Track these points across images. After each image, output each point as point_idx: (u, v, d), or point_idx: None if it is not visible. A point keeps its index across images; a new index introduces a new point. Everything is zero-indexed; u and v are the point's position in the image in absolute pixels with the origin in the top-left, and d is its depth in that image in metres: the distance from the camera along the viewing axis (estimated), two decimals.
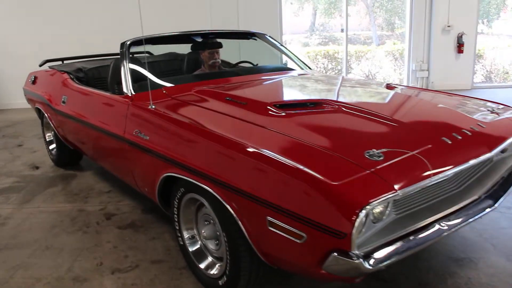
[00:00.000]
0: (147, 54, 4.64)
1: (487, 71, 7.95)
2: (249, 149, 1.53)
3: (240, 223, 1.57)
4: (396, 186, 1.34)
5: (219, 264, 1.87)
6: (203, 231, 1.90)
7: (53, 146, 3.85)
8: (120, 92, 2.96)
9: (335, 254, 1.29)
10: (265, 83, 2.56)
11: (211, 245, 1.91)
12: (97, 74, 3.55)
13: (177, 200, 1.96)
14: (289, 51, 3.29)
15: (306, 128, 1.69)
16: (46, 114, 3.53)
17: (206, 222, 1.91)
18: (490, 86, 7.64)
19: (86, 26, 6.83)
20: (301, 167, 1.38)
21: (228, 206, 1.58)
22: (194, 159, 1.72)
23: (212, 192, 1.63)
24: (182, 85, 2.43)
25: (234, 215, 1.57)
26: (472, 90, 7.07)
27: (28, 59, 6.76)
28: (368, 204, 1.25)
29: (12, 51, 6.88)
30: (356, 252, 1.28)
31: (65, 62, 3.95)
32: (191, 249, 1.98)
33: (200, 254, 1.95)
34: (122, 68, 2.49)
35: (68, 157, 3.69)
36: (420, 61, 7.10)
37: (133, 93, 2.34)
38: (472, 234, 2.33)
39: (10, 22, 6.83)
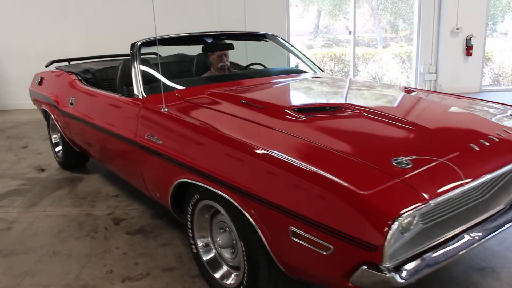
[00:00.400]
0: (154, 55, 4.61)
1: (495, 74, 7.87)
2: (271, 156, 1.46)
3: (260, 232, 1.50)
4: (428, 196, 1.27)
5: (235, 273, 1.80)
6: (218, 239, 1.83)
7: (59, 148, 3.79)
8: (129, 94, 2.91)
9: (365, 267, 1.23)
10: (279, 86, 2.49)
11: (226, 254, 1.84)
12: (105, 75, 3.50)
13: (191, 207, 1.89)
14: (300, 53, 3.23)
15: (328, 134, 1.62)
16: (52, 116, 3.47)
17: (221, 230, 1.84)
18: (499, 89, 7.56)
19: (92, 27, 6.79)
20: (328, 175, 1.31)
21: (247, 214, 1.51)
22: (210, 165, 1.65)
23: (230, 200, 1.57)
24: (194, 88, 2.37)
25: (254, 223, 1.50)
26: (480, 93, 6.99)
27: (32, 59, 6.72)
28: (400, 215, 1.19)
29: (16, 52, 6.84)
30: (387, 265, 1.22)
31: (71, 63, 3.90)
32: (205, 257, 1.91)
33: (215, 263, 1.88)
34: (133, 70, 2.43)
35: (74, 159, 3.63)
36: (428, 63, 7.03)
37: (144, 95, 2.27)
38: (493, 242, 2.26)
39: (14, 22, 6.79)
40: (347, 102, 2.03)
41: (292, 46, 3.28)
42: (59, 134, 3.75)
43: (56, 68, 3.74)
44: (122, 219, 2.71)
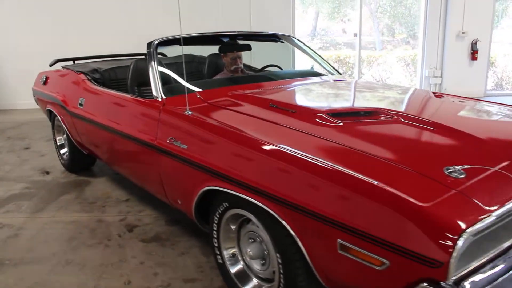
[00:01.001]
0: (160, 56, 4.50)
1: (498, 78, 7.86)
2: (314, 164, 1.37)
3: (300, 244, 1.41)
4: (489, 208, 1.19)
5: (266, 286, 1.70)
6: (248, 250, 1.72)
7: (64, 150, 3.66)
8: (140, 94, 2.81)
9: (425, 284, 1.13)
10: (303, 88, 2.40)
11: (256, 266, 1.74)
12: (113, 75, 3.38)
13: (217, 216, 1.79)
14: (317, 54, 3.14)
15: (371, 141, 1.53)
16: (59, 117, 3.34)
17: (250, 240, 1.74)
18: (503, 93, 7.54)
19: (91, 26, 6.64)
20: (381, 185, 1.22)
21: (286, 225, 1.42)
22: (244, 172, 1.55)
23: (267, 209, 1.47)
24: (216, 90, 2.27)
25: (294, 235, 1.41)
26: (485, 97, 6.97)
27: (30, 58, 6.58)
28: (467, 229, 1.10)
29: (14, 50, 6.68)
30: (450, 282, 1.13)
31: (76, 62, 3.79)
32: (232, 270, 1.81)
33: (243, 275, 1.78)
34: (151, 70, 2.32)
35: (81, 162, 3.50)
36: (433, 67, 6.99)
37: (163, 97, 2.17)
38: None
39: (12, 21, 6.63)
40: (381, 106, 1.94)
41: (308, 47, 3.19)
42: (64, 135, 3.62)
43: (63, 67, 3.62)
44: (135, 225, 2.59)
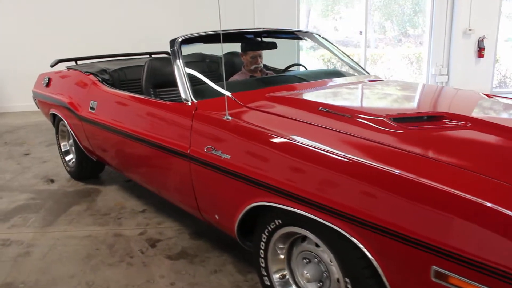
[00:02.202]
0: (165, 55, 4.28)
1: (502, 76, 7.80)
2: (395, 176, 1.18)
3: (379, 269, 1.22)
4: None
5: None
6: (305, 272, 1.53)
7: (70, 156, 3.43)
8: (156, 96, 2.61)
9: None
10: (346, 90, 2.21)
11: None
12: (122, 76, 3.16)
13: (266, 233, 1.60)
14: (343, 53, 2.96)
15: (451, 150, 1.36)
16: (65, 121, 3.11)
17: (305, 261, 1.55)
18: (508, 91, 7.48)
19: (89, 27, 6.38)
20: (483, 202, 1.04)
21: (363, 248, 1.23)
22: (306, 186, 1.36)
23: (337, 229, 1.29)
24: (250, 92, 2.07)
25: (372, 258, 1.22)
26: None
27: (27, 59, 6.30)
28: None
29: (10, 52, 6.37)
30: None
31: (79, 62, 3.56)
32: None
33: None
34: (177, 70, 2.12)
35: (89, 169, 3.27)
36: (440, 65, 6.88)
37: (194, 100, 1.96)
38: None
39: (7, 22, 6.33)
40: (443, 110, 1.76)
41: (334, 45, 3.00)
42: (70, 141, 3.39)
43: (68, 68, 3.38)
44: (158, 240, 2.38)
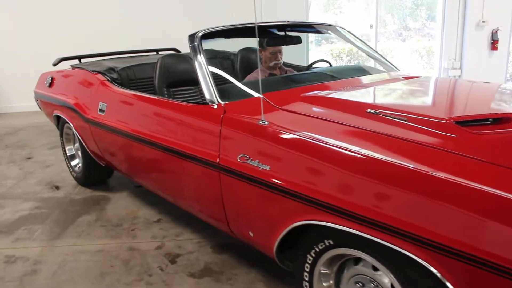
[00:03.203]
0: (172, 52, 4.06)
1: None
2: (483, 192, 0.99)
3: None
4: None
5: None
6: None
7: (76, 161, 3.22)
8: (170, 96, 2.40)
9: None
10: (389, 88, 2.00)
11: None
12: (131, 74, 2.94)
13: (313, 254, 1.40)
14: (370, 47, 2.74)
15: None
16: (71, 124, 2.89)
17: (358, 285, 1.35)
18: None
19: (88, 24, 6.15)
20: None
21: (441, 277, 1.04)
22: (366, 203, 1.16)
23: (406, 253, 1.09)
24: (283, 92, 1.86)
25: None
26: None
27: (23, 58, 6.07)
28: None
29: (8, 50, 6.13)
30: None
31: (83, 60, 3.34)
32: None
33: None
34: (199, 68, 1.90)
35: (97, 175, 3.06)
36: (452, 58, 6.67)
37: (220, 102, 1.75)
38: None
39: (6, 21, 6.08)
40: (506, 111, 1.56)
41: (360, 39, 2.79)
42: (76, 144, 3.18)
43: (72, 66, 3.16)
44: (177, 254, 2.18)
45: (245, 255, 2.11)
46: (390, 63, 2.67)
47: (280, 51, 2.63)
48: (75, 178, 3.21)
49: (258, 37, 2.53)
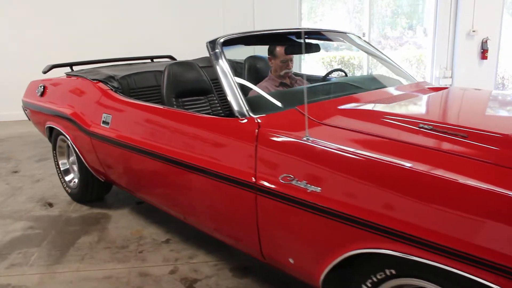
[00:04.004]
0: (168, 59, 3.89)
1: (501, 77, 7.74)
2: None
3: None
4: None
5: None
6: None
7: (70, 176, 2.99)
8: (180, 107, 2.25)
9: None
10: (422, 101, 1.89)
11: None
12: (132, 83, 2.75)
13: (369, 284, 1.26)
14: (386, 56, 2.65)
15: None
16: (67, 136, 2.68)
17: None
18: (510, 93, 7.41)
19: (76, 30, 5.89)
20: None
21: None
22: (438, 228, 1.04)
23: (486, 283, 0.97)
24: (318, 104, 1.72)
25: None
26: None
27: (8, 64, 5.77)
28: None
29: None
30: None
31: (75, 68, 3.13)
32: None
33: None
34: (223, 77, 1.74)
35: (95, 191, 2.84)
36: (443, 67, 6.72)
37: (252, 115, 1.60)
38: None
39: None
40: None
41: (374, 47, 2.69)
42: (71, 158, 2.96)
43: (67, 74, 2.95)
44: (194, 279, 2.00)
45: (269, 278, 1.95)
46: (406, 72, 2.59)
47: (291, 60, 2.51)
48: (70, 194, 2.98)
49: (278, 44, 2.42)
